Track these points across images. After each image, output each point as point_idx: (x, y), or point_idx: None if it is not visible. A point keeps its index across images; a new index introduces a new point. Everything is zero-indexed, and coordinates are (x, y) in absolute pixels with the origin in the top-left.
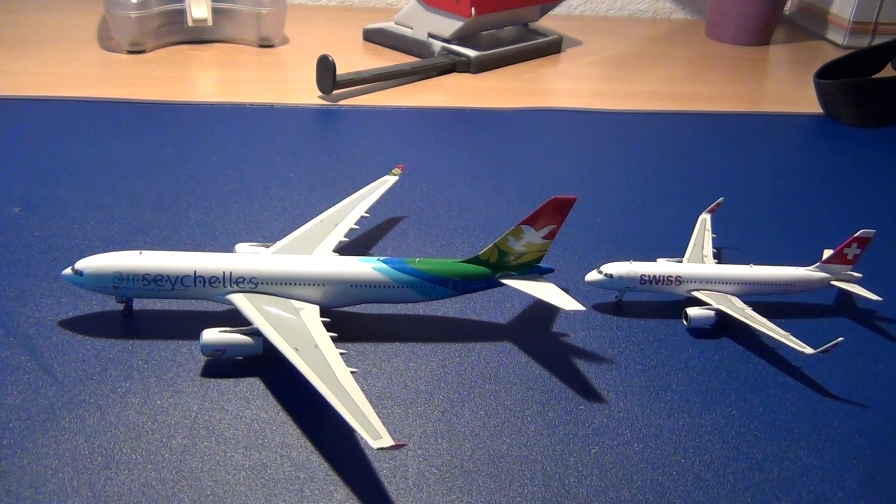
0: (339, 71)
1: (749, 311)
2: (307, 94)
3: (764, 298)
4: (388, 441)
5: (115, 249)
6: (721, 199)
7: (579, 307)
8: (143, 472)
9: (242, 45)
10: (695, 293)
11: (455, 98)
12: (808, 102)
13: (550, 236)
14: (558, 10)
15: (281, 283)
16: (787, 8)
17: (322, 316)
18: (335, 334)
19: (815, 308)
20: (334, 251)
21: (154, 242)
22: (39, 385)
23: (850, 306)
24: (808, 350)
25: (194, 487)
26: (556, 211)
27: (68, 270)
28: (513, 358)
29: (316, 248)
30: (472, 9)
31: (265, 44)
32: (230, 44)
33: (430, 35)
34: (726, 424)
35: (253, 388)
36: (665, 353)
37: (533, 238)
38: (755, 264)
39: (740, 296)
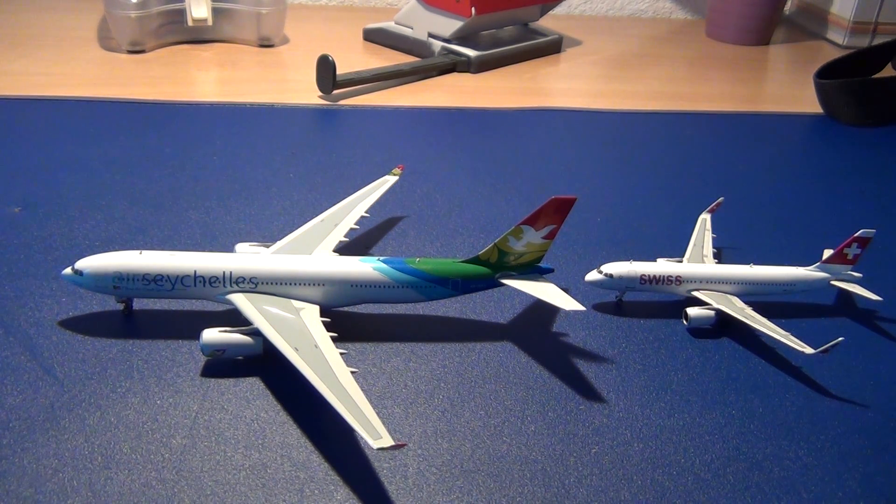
0: (339, 71)
1: (749, 311)
2: (307, 94)
3: (764, 298)
4: (388, 441)
5: (115, 249)
6: (721, 198)
7: (579, 307)
8: (143, 472)
9: (242, 45)
10: (695, 293)
11: (455, 98)
12: (808, 102)
13: (550, 236)
14: (558, 10)
15: (281, 283)
16: (787, 8)
17: (322, 316)
18: (335, 334)
19: (815, 308)
20: (334, 251)
21: (154, 242)
22: (39, 385)
23: (850, 306)
24: (808, 350)
25: (194, 487)
26: (556, 211)
27: (68, 270)
28: (513, 358)
29: (316, 248)
30: (472, 9)
31: (265, 44)
32: (230, 44)
33: (430, 35)
34: (726, 424)
35: (253, 388)
36: (665, 353)
37: (533, 238)
38: (755, 264)
39: (740, 296)
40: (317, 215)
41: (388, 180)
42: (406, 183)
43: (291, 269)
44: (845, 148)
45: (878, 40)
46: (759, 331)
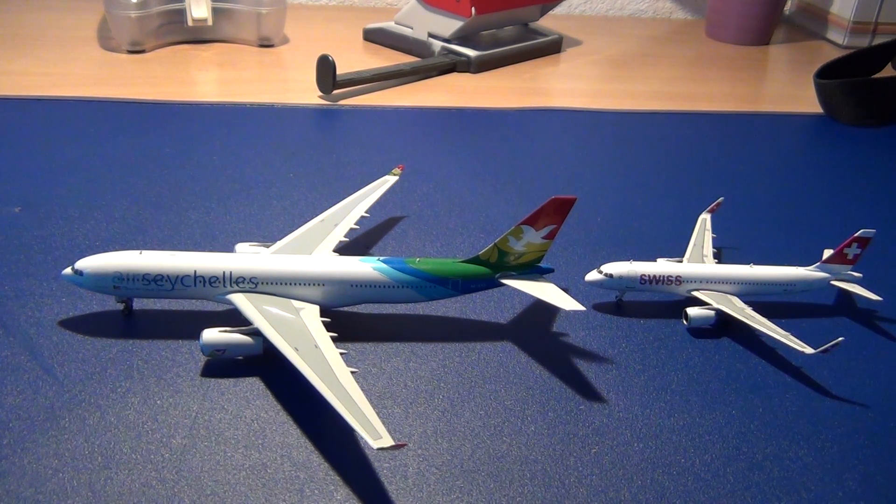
0: (339, 71)
1: (749, 310)
2: (307, 94)
3: (764, 298)
4: (388, 441)
5: (115, 249)
6: (721, 198)
7: (579, 307)
8: (143, 472)
9: (242, 45)
10: (695, 293)
11: (455, 98)
12: (808, 102)
13: (550, 236)
14: (558, 10)
15: (281, 283)
16: (787, 8)
17: (322, 316)
18: (335, 334)
19: (815, 308)
20: (334, 251)
21: (154, 242)
22: (39, 385)
23: (850, 306)
24: (808, 350)
25: (194, 487)
26: (556, 211)
27: (68, 270)
28: (513, 358)
29: (316, 248)
30: (472, 9)
31: (265, 44)
32: (230, 44)
33: (430, 35)
34: (726, 424)
35: (253, 388)
36: (665, 353)
37: (533, 238)
38: (755, 264)
39: (740, 296)
40: (317, 215)
41: (388, 180)
42: (406, 183)
43: (291, 269)
44: (845, 148)
45: (878, 40)
46: (759, 331)
